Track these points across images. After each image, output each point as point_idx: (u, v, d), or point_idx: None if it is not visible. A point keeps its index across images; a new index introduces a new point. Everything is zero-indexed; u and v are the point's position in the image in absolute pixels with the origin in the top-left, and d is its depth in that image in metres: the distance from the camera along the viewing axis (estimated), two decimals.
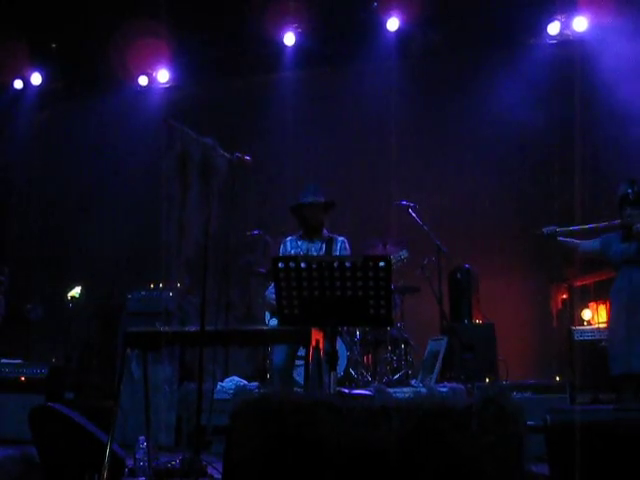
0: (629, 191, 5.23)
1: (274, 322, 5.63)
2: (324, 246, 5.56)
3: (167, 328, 6.05)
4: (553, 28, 8.70)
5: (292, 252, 5.59)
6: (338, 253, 5.53)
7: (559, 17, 8.65)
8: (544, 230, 5.57)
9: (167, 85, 10.18)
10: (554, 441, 3.10)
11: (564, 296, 8.20)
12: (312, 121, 9.67)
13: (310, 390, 4.10)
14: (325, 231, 5.68)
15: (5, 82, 10.28)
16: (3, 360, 6.93)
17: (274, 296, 5.26)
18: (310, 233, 5.65)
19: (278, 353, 5.44)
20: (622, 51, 7.95)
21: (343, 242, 5.63)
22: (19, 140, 10.49)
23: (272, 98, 9.85)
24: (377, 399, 2.89)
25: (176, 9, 8.78)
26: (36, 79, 10.23)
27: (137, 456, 4.77)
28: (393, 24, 9.00)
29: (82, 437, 4.37)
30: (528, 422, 2.83)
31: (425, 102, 9.33)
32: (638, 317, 5.01)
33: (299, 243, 5.65)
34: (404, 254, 5.69)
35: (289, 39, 9.28)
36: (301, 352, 6.65)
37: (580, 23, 8.55)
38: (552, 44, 8.85)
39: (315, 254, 5.48)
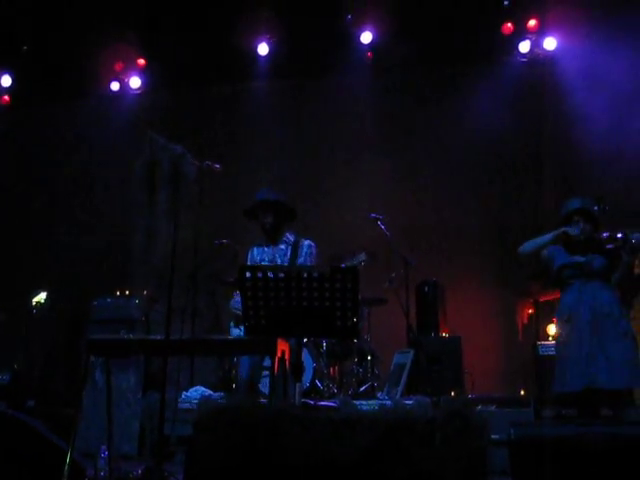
0: (595, 208, 5.24)
1: (237, 332, 5.57)
2: (289, 251, 5.48)
3: (132, 336, 6.02)
4: (524, 46, 8.81)
5: (258, 259, 5.53)
6: (303, 259, 5.43)
7: (530, 36, 8.76)
8: (568, 229, 5.27)
9: (139, 91, 10.11)
10: (518, 455, 3.11)
11: (530, 311, 8.26)
12: (283, 132, 9.68)
13: (275, 401, 4.08)
14: (289, 235, 5.59)
15: None
16: None
17: (238, 305, 5.25)
18: (270, 238, 5.56)
19: (244, 364, 5.38)
20: (589, 68, 8.09)
21: (309, 246, 5.52)
22: None
23: (244, 108, 9.83)
24: (341, 411, 2.88)
25: (150, 16, 8.78)
26: (6, 81, 10.12)
27: (98, 465, 4.70)
28: (367, 37, 9.05)
29: (41, 445, 4.30)
30: (492, 436, 2.84)
31: (397, 116, 9.39)
32: (600, 333, 5.02)
33: (265, 249, 5.56)
34: (362, 257, 5.60)
35: (262, 49, 9.29)
36: (267, 363, 6.67)
37: (550, 43, 8.69)
38: (523, 62, 8.94)
39: (280, 261, 5.42)
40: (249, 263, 5.58)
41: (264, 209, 5.48)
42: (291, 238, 5.55)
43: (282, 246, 5.52)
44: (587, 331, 5.04)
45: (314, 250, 5.53)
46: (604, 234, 5.10)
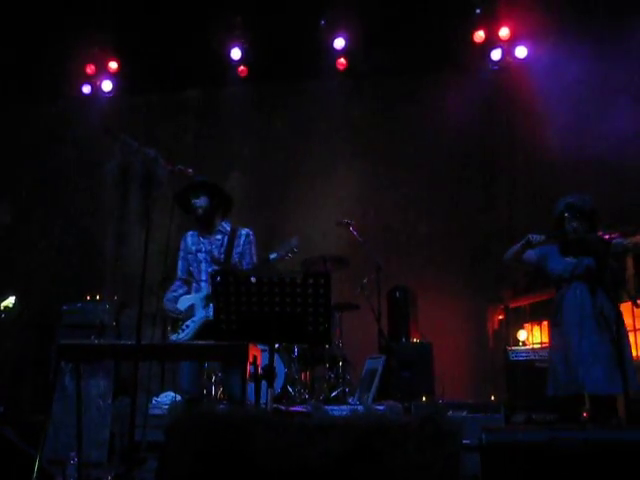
0: (570, 200, 5.16)
1: (175, 337, 5.04)
2: (226, 240, 5.15)
3: (102, 341, 5.97)
4: (495, 54, 8.90)
5: (193, 248, 5.18)
6: (241, 248, 5.13)
7: (501, 44, 8.84)
8: (530, 237, 5.26)
9: (111, 94, 10.04)
10: (489, 460, 3.12)
11: (500, 317, 8.33)
12: (255, 136, 9.69)
13: (247, 407, 4.06)
14: (225, 224, 5.24)
15: None
16: None
17: (172, 307, 5.00)
18: (203, 226, 5.19)
19: (183, 372, 5.04)
20: (560, 75, 8.21)
21: (248, 235, 5.19)
22: None
23: (216, 112, 9.83)
24: (314, 416, 2.87)
25: (123, 19, 8.74)
26: None
27: (67, 472, 4.65)
28: (340, 43, 9.09)
29: (9, 452, 4.25)
30: (464, 441, 2.84)
31: (369, 122, 9.43)
32: (590, 337, 4.95)
33: (201, 240, 5.19)
34: (294, 242, 4.99)
35: (235, 54, 9.28)
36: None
37: (521, 51, 8.78)
38: (494, 69, 9.03)
39: (217, 252, 5.12)
40: (182, 251, 5.25)
41: (197, 191, 5.11)
42: (227, 227, 5.23)
43: (218, 236, 5.19)
44: (576, 334, 4.97)
45: (252, 239, 5.22)
46: (596, 235, 4.96)
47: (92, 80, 9.91)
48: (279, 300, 3.73)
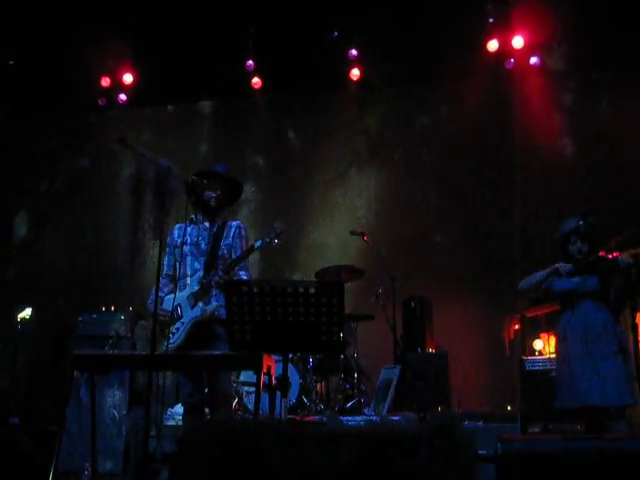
0: (580, 223, 5.30)
1: (165, 344, 4.70)
2: (215, 229, 4.94)
3: (117, 351, 5.99)
4: (509, 62, 8.87)
5: (179, 241, 4.94)
6: (231, 239, 4.93)
7: (515, 53, 8.83)
8: (559, 267, 5.40)
9: (126, 106, 10.10)
10: (505, 470, 3.10)
11: (516, 326, 8.26)
12: (269, 147, 9.75)
13: (260, 417, 4.05)
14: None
15: None
16: None
17: (161, 306, 4.56)
18: (208, 215, 4.99)
19: (184, 384, 4.85)
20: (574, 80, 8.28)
21: (238, 227, 5.00)
22: None
23: (231, 124, 9.88)
24: (327, 426, 2.86)
25: (137, 31, 8.80)
26: None
27: None
28: (353, 53, 9.10)
29: (25, 462, 4.26)
30: (479, 451, 2.82)
31: (383, 130, 9.43)
32: (593, 352, 5.08)
33: (188, 230, 4.94)
34: (278, 227, 4.74)
35: (249, 65, 9.29)
36: (252, 378, 6.61)
37: (534, 58, 8.77)
38: (508, 77, 9.01)
39: (204, 242, 4.89)
40: (168, 246, 5.03)
41: (214, 182, 4.95)
42: (218, 218, 5.05)
43: (207, 224, 4.99)
44: (581, 350, 5.13)
45: (243, 231, 5.03)
46: (598, 254, 5.18)
47: (107, 92, 9.97)
48: (293, 310, 3.70)
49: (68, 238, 9.89)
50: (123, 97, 9.92)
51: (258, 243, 4.74)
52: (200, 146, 9.72)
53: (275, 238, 4.72)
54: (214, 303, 4.71)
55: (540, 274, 5.45)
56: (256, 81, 9.50)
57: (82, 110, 10.13)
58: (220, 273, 4.68)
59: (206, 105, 10.14)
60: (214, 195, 4.95)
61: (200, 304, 4.70)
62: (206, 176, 4.91)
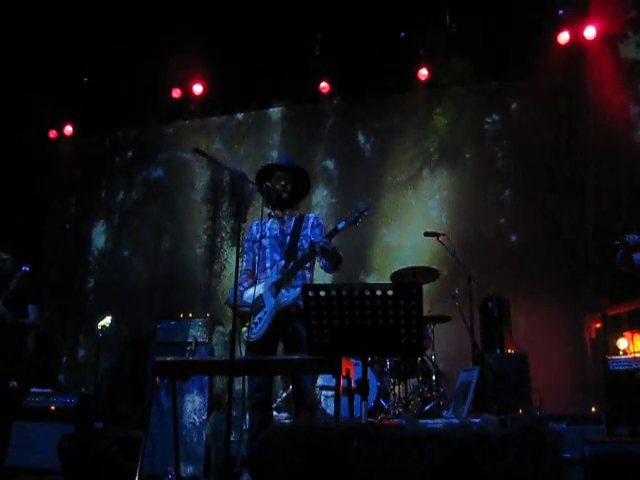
0: None
1: (248, 334, 4.78)
2: (293, 222, 5.00)
3: (196, 357, 6.07)
4: (579, 55, 8.68)
5: (257, 236, 4.99)
6: (310, 231, 4.96)
7: (587, 44, 8.64)
8: (627, 238, 5.21)
9: (198, 115, 10.29)
10: (594, 473, 3.01)
11: (597, 325, 8.05)
12: (339, 150, 9.81)
13: (342, 420, 4.03)
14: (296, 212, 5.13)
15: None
16: (33, 389, 6.94)
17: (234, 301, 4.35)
18: (280, 208, 5.04)
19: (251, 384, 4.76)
20: None
21: (315, 218, 5.04)
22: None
23: (300, 127, 9.95)
24: (409, 429, 2.82)
25: (206, 40, 8.93)
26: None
27: None
28: (420, 53, 9.08)
29: (111, 467, 4.35)
30: (564, 454, 2.75)
31: (453, 130, 9.33)
32: None
33: (267, 224, 5.01)
34: (362, 206, 4.69)
35: (316, 69, 9.37)
36: (329, 382, 6.61)
37: (607, 50, 8.55)
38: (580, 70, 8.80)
39: (283, 234, 4.94)
40: (247, 242, 5.11)
41: (287, 174, 5.02)
42: (295, 212, 5.12)
43: (285, 217, 5.05)
44: None
45: (322, 222, 5.06)
46: None
47: (178, 103, 10.16)
48: (370, 313, 3.67)
49: (145, 247, 10.10)
50: (193, 107, 10.10)
51: (341, 224, 4.68)
52: (270, 152, 9.79)
53: (360, 218, 4.68)
54: (297, 290, 4.67)
55: (618, 253, 5.31)
56: (324, 85, 9.55)
57: (154, 122, 10.35)
58: (324, 240, 4.66)
59: (275, 111, 10.22)
60: (289, 188, 5.00)
61: (282, 290, 4.71)
62: (272, 169, 5.01)
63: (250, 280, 4.98)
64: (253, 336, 4.69)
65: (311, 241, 4.78)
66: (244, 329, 4.80)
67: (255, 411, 4.70)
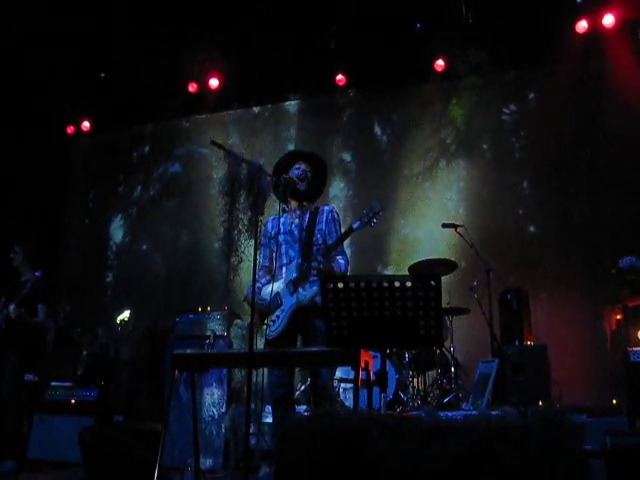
0: None
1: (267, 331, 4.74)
2: (307, 216, 4.95)
3: (215, 351, 6.08)
4: (598, 44, 8.60)
5: (272, 232, 4.96)
6: (324, 225, 4.91)
7: (606, 33, 8.55)
8: (621, 263, 5.21)
9: (214, 109, 10.30)
10: (616, 466, 2.98)
11: (618, 317, 7.98)
12: (356, 142, 9.80)
13: (361, 411, 4.02)
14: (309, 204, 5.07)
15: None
16: (54, 383, 6.99)
17: (252, 293, 4.34)
18: (298, 199, 4.99)
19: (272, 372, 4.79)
20: None
21: (330, 211, 4.98)
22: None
23: (316, 119, 9.94)
24: (429, 420, 2.80)
25: (221, 33, 8.93)
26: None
27: (186, 479, 4.75)
28: (436, 44, 9.02)
29: (131, 459, 4.36)
30: (585, 446, 2.72)
31: (470, 121, 9.28)
32: None
33: (281, 220, 4.97)
34: (377, 206, 4.62)
35: (332, 62, 9.38)
36: (348, 374, 6.61)
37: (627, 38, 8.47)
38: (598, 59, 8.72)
39: (298, 229, 4.89)
40: (264, 238, 5.06)
41: (303, 162, 4.98)
42: (311, 205, 5.06)
43: (298, 211, 5.00)
44: None
45: (336, 215, 5.01)
46: None
47: (195, 97, 10.17)
48: (389, 304, 3.65)
49: (163, 241, 10.14)
50: (210, 101, 10.11)
51: (356, 224, 4.65)
52: (287, 145, 9.77)
53: (374, 218, 4.64)
54: (314, 288, 4.64)
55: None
56: (340, 78, 9.53)
57: (171, 117, 10.38)
58: (319, 258, 4.63)
59: (291, 104, 10.21)
60: (308, 177, 4.98)
61: (299, 289, 4.68)
62: (294, 156, 5.02)
63: (268, 276, 4.96)
64: (272, 333, 4.69)
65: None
66: (263, 326, 4.76)
67: (278, 407, 4.71)
